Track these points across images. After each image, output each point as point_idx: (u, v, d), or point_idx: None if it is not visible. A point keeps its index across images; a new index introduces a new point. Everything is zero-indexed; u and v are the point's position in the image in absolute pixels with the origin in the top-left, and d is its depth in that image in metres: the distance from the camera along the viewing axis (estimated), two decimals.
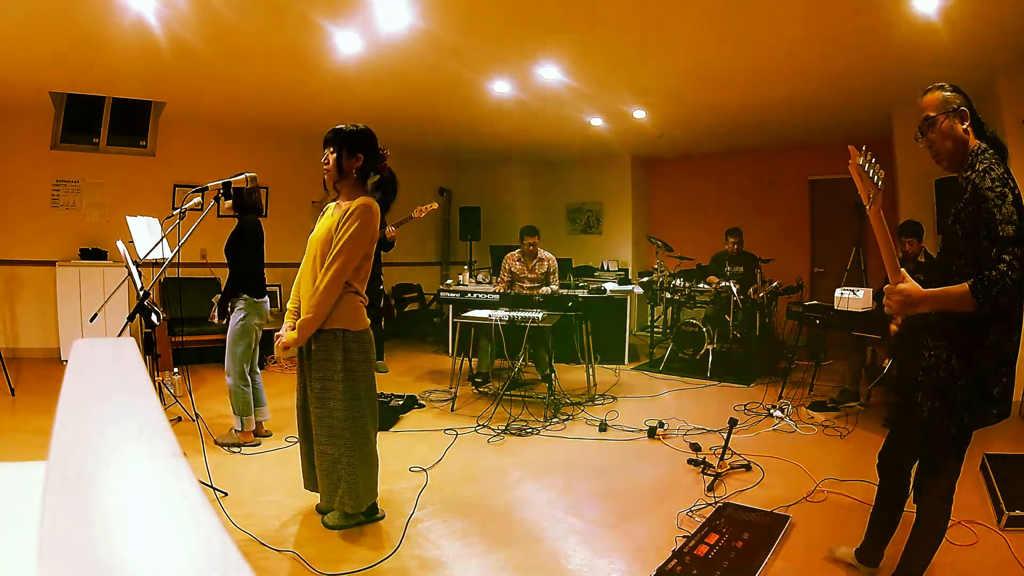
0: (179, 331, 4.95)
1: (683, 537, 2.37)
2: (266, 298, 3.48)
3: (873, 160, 1.63)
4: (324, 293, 2.29)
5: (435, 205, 5.64)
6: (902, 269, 1.70)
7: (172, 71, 4.43)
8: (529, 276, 5.15)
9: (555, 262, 5.21)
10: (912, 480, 1.95)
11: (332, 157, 2.37)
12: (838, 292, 4.07)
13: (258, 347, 3.52)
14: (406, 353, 6.45)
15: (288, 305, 2.54)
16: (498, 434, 3.73)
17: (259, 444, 3.46)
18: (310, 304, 2.31)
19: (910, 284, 1.68)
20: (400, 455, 3.32)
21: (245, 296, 3.34)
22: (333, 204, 2.49)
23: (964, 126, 1.78)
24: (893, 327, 2.10)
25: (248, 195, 3.34)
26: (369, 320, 2.46)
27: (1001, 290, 1.54)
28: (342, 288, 2.33)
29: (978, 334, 1.67)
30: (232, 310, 3.38)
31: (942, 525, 1.85)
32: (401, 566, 2.22)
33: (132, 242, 3.76)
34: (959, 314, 1.64)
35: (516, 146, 7.81)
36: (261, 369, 3.62)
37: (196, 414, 3.58)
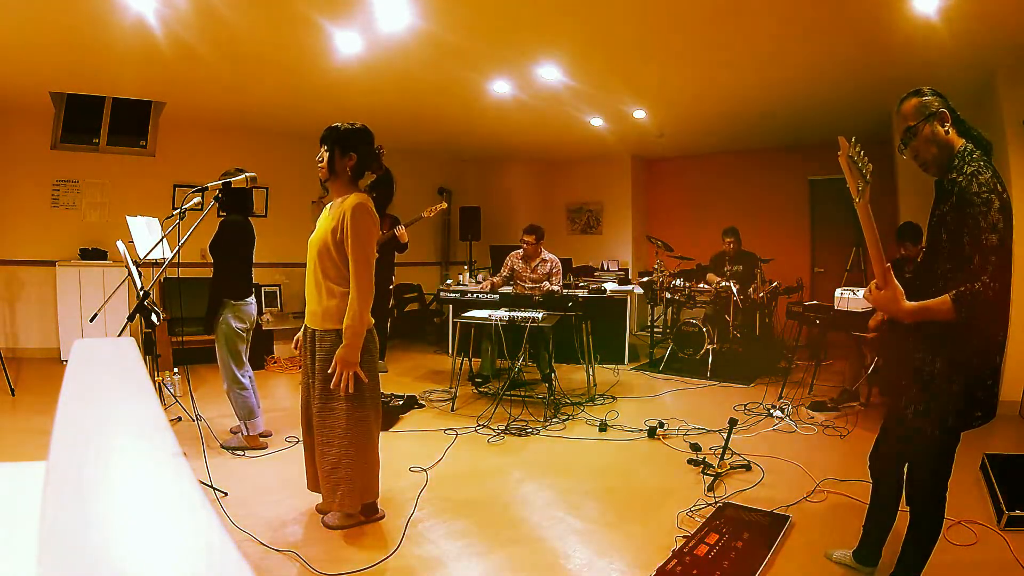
0: (179, 331, 4.95)
1: (683, 537, 2.38)
2: (249, 299, 3.38)
3: (861, 152, 1.63)
4: (360, 301, 2.28)
5: (444, 205, 5.63)
6: (891, 276, 1.69)
7: (172, 71, 4.43)
8: (530, 276, 5.13)
9: (559, 263, 5.15)
10: (905, 480, 1.95)
11: (326, 155, 2.37)
12: (838, 292, 4.08)
13: (248, 348, 3.48)
14: (406, 353, 6.46)
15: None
16: (498, 434, 3.73)
17: (266, 447, 3.43)
18: (349, 315, 2.28)
19: (893, 293, 1.67)
20: (400, 455, 3.32)
21: (225, 300, 3.28)
22: (329, 205, 2.49)
23: (945, 128, 1.76)
24: (872, 324, 2.10)
25: (238, 194, 3.14)
26: (373, 320, 2.45)
27: (984, 301, 1.54)
28: (373, 288, 2.34)
29: (961, 338, 1.67)
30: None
31: (936, 526, 1.85)
32: (401, 566, 2.22)
33: (132, 242, 3.76)
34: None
35: (516, 146, 7.81)
36: (261, 369, 3.59)
37: (198, 415, 3.57)
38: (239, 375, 3.32)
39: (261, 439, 3.46)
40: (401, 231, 5.14)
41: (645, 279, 6.20)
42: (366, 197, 2.37)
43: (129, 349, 0.73)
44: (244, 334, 3.35)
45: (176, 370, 4.38)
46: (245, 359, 3.41)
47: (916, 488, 1.87)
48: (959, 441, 1.80)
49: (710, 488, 2.88)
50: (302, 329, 2.52)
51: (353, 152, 2.39)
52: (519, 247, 5.24)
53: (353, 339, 2.28)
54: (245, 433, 3.38)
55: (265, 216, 6.56)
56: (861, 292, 3.95)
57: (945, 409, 1.71)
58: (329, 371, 2.32)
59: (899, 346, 1.86)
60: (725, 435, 3.23)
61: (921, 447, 1.81)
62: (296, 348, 2.56)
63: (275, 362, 5.73)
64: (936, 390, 1.71)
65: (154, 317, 2.46)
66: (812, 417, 4.03)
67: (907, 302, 1.66)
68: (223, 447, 3.38)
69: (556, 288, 4.96)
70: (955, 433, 1.77)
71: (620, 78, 4.82)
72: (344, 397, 2.34)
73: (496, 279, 5.21)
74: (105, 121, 5.54)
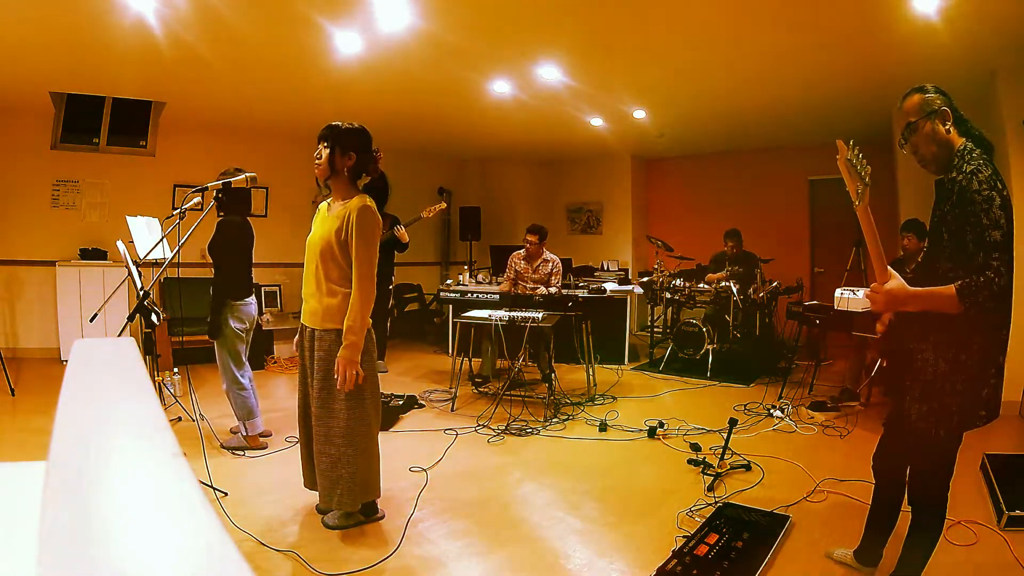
0: (179, 331, 4.95)
1: (683, 537, 2.37)
2: (250, 299, 3.39)
3: (860, 155, 1.63)
4: (361, 302, 2.29)
5: (443, 205, 5.63)
6: (889, 268, 1.70)
7: (172, 71, 4.42)
8: (532, 276, 5.13)
9: (560, 264, 5.16)
10: (907, 481, 1.95)
11: (325, 152, 2.37)
12: (838, 292, 4.06)
13: (248, 349, 3.48)
14: (406, 353, 6.45)
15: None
16: (498, 434, 3.73)
17: (266, 447, 3.43)
18: (350, 315, 2.29)
19: (896, 283, 1.67)
20: (400, 455, 3.32)
21: (226, 301, 3.28)
22: (326, 204, 2.49)
23: (947, 127, 1.76)
24: (880, 327, 2.10)
25: (235, 194, 3.07)
26: (371, 320, 2.46)
27: (988, 295, 1.54)
28: (375, 290, 2.35)
29: (966, 337, 1.67)
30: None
31: (937, 526, 1.85)
32: (401, 566, 2.22)
33: (132, 242, 3.76)
34: (946, 318, 1.63)
35: (516, 146, 7.81)
36: (261, 369, 3.59)
37: (200, 414, 3.57)
38: (238, 375, 3.32)
39: (261, 439, 3.46)
40: (401, 231, 5.14)
41: (645, 279, 6.20)
42: (370, 200, 2.38)
43: (129, 349, 0.73)
44: (243, 335, 3.35)
45: (176, 370, 4.38)
46: (244, 359, 3.41)
47: (919, 488, 1.87)
48: (961, 441, 1.80)
49: (710, 488, 2.88)
50: (299, 329, 2.52)
51: (353, 152, 2.39)
52: (519, 247, 5.24)
53: (354, 339, 2.28)
54: (244, 433, 3.38)
55: (265, 216, 6.56)
56: (861, 292, 3.95)
57: (950, 409, 1.71)
58: (335, 374, 2.31)
59: (903, 346, 1.86)
60: (725, 435, 3.23)
61: (925, 447, 1.81)
62: (296, 349, 2.56)
63: (275, 362, 5.73)
64: (941, 390, 1.71)
65: (154, 317, 2.46)
66: (812, 417, 4.03)
67: (911, 288, 1.66)
68: (223, 447, 3.38)
69: (554, 290, 4.94)
70: (960, 433, 1.77)
71: (620, 78, 4.82)
72: (343, 396, 2.34)
73: (507, 283, 5.21)
74: (105, 121, 5.54)
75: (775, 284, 5.60)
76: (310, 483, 2.57)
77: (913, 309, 1.68)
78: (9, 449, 3.24)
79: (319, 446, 2.41)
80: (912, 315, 1.74)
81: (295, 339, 2.56)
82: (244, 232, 3.40)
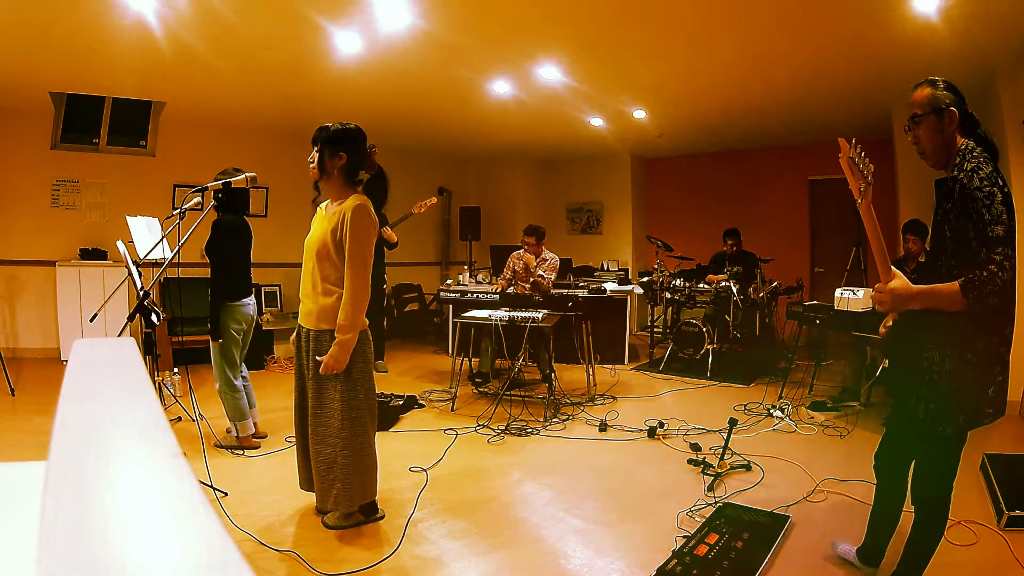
0: (179, 331, 4.95)
1: (683, 537, 2.37)
2: (248, 300, 3.39)
3: (863, 154, 1.63)
4: (353, 303, 2.30)
5: (434, 200, 5.62)
6: (892, 267, 1.70)
7: (172, 71, 4.43)
8: (531, 277, 5.12)
9: (557, 260, 5.13)
10: (909, 480, 1.95)
11: (316, 156, 2.38)
12: (838, 292, 4.07)
13: (246, 349, 3.48)
14: (406, 353, 6.45)
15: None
16: (498, 434, 3.73)
17: (259, 447, 3.44)
18: (342, 315, 2.29)
19: (899, 281, 1.67)
20: (400, 455, 3.32)
21: (224, 302, 3.28)
22: (324, 205, 2.49)
23: (951, 126, 1.77)
24: (882, 329, 2.10)
25: (232, 194, 2.98)
26: (368, 320, 2.46)
27: (992, 290, 1.53)
28: (368, 294, 2.34)
29: (971, 335, 1.66)
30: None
31: (940, 525, 1.85)
32: (401, 566, 2.22)
33: (132, 242, 3.76)
34: (951, 315, 1.63)
35: (516, 146, 7.81)
36: (260, 369, 3.59)
37: (199, 414, 3.57)
38: (231, 377, 3.33)
39: (254, 439, 3.47)
40: (389, 232, 5.10)
41: (645, 279, 6.20)
42: (366, 199, 2.38)
43: (129, 349, 0.73)
44: (239, 336, 3.36)
45: (176, 370, 4.38)
46: (239, 360, 3.41)
47: (923, 487, 1.87)
48: (966, 440, 1.80)
49: (710, 488, 2.88)
50: (296, 330, 2.52)
51: (343, 152, 2.38)
52: (519, 247, 5.23)
53: (345, 338, 2.29)
54: (235, 434, 3.40)
55: (265, 216, 6.56)
56: (861, 292, 3.95)
57: (957, 408, 1.71)
58: (321, 371, 2.32)
59: (908, 346, 1.85)
60: (725, 435, 3.23)
61: (931, 446, 1.81)
62: (293, 346, 2.56)
63: (275, 362, 5.73)
64: (947, 389, 1.70)
65: (154, 317, 2.46)
66: (812, 417, 4.03)
67: (914, 285, 1.66)
68: (216, 446, 3.39)
69: (543, 276, 4.89)
70: (966, 431, 1.77)
71: (620, 78, 4.82)
72: (339, 397, 2.34)
73: (502, 282, 5.20)
74: (105, 121, 5.54)
75: (775, 284, 5.61)
76: (306, 484, 2.57)
77: (917, 307, 1.67)
78: (9, 449, 3.24)
79: (315, 446, 2.41)
80: (917, 313, 1.74)
81: (291, 337, 2.56)
82: (238, 231, 3.39)
